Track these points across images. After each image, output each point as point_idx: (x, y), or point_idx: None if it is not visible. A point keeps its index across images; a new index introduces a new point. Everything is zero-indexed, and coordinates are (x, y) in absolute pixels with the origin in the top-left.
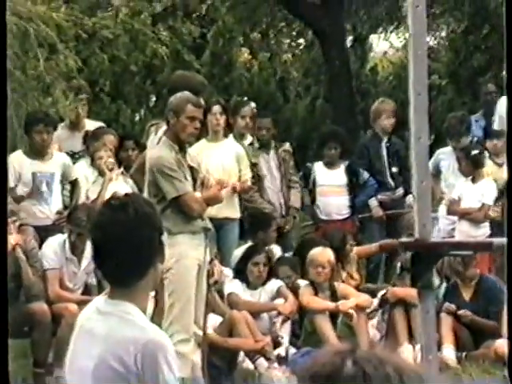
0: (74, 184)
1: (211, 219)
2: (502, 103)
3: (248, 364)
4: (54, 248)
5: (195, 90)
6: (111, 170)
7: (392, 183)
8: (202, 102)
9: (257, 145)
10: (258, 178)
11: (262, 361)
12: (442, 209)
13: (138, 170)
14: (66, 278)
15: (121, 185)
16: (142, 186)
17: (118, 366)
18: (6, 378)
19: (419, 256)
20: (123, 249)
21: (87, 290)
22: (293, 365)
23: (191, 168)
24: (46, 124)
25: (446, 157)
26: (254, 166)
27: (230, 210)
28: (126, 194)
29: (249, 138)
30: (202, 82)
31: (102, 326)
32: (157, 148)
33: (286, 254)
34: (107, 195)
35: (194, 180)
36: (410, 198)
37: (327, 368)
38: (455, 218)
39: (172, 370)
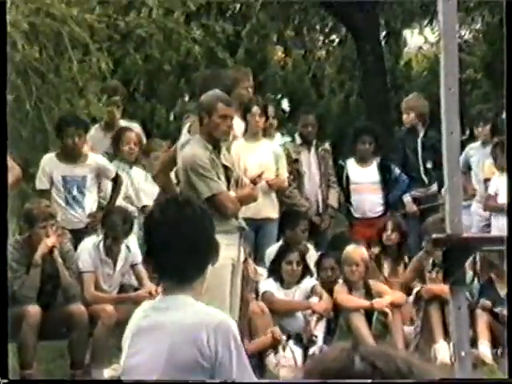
0: (116, 181)
1: (250, 219)
2: None
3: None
4: (88, 250)
5: (227, 87)
6: None
7: (425, 179)
8: (248, 91)
9: (299, 141)
10: (297, 175)
11: (271, 357)
12: (474, 205)
13: (162, 170)
14: (101, 279)
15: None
16: (165, 187)
17: (192, 352)
18: (6, 378)
19: (451, 252)
20: (189, 245)
21: (123, 291)
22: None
23: (225, 167)
24: (78, 127)
25: (475, 152)
26: (294, 162)
27: (269, 210)
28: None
29: (280, 136)
30: (235, 78)
31: (166, 319)
32: (190, 147)
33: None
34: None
35: (228, 179)
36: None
37: (336, 364)
38: (487, 214)
39: (241, 351)
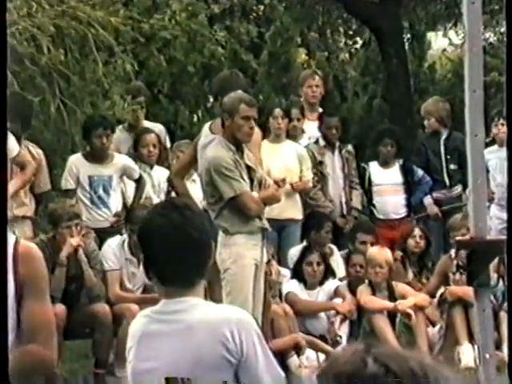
0: (139, 182)
1: (274, 220)
2: None
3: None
4: (113, 249)
5: (245, 88)
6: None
7: (448, 181)
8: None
9: (323, 143)
10: (322, 176)
11: (294, 359)
12: (493, 208)
13: (178, 173)
14: (125, 278)
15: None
16: (178, 190)
17: (218, 349)
18: (6, 378)
19: (475, 254)
20: (194, 249)
21: (146, 291)
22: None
23: (249, 168)
24: (105, 128)
25: (493, 156)
26: (319, 164)
27: (293, 211)
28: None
29: (308, 137)
30: (245, 81)
31: (180, 323)
32: (213, 148)
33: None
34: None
35: (252, 180)
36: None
37: (349, 367)
38: (505, 216)
39: (265, 344)
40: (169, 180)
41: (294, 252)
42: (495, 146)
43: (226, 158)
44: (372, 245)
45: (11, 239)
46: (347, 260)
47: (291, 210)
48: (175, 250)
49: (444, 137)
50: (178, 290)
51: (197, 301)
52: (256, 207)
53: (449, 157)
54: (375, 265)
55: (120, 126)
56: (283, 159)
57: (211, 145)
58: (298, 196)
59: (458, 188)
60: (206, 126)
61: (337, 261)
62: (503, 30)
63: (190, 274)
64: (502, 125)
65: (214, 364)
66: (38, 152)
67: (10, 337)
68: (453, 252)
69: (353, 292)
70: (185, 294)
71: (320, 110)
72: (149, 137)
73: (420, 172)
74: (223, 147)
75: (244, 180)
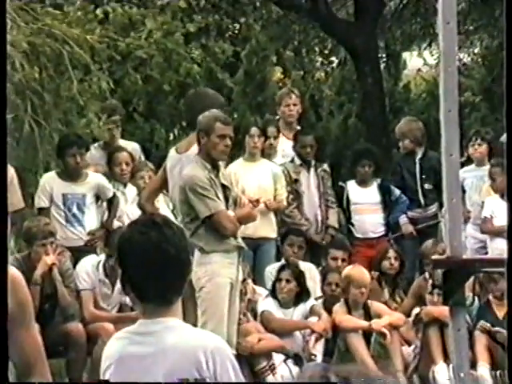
0: (112, 202)
1: (248, 239)
2: None
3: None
4: (86, 269)
5: (220, 106)
6: None
7: (423, 201)
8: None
9: (298, 162)
10: (297, 195)
11: (270, 378)
12: (469, 227)
13: (148, 198)
14: (99, 298)
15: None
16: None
17: (192, 374)
18: (6, 378)
19: (451, 273)
20: (172, 266)
21: (122, 311)
22: (301, 375)
23: (224, 186)
24: (79, 146)
25: (469, 175)
26: (294, 182)
27: (267, 230)
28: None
29: (285, 156)
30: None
31: (157, 345)
32: (189, 166)
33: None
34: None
35: (227, 199)
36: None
37: (314, 380)
38: (482, 236)
39: (238, 373)
40: (139, 205)
41: (271, 270)
42: (471, 166)
43: (202, 177)
44: (343, 261)
45: None
46: (323, 278)
47: (266, 228)
48: (153, 267)
49: (419, 156)
50: (155, 308)
51: (174, 322)
52: (231, 226)
53: (424, 176)
54: (361, 285)
55: (95, 144)
56: (258, 178)
57: (187, 164)
58: (272, 215)
59: (433, 208)
60: (172, 150)
61: (314, 279)
62: (477, 50)
63: (167, 292)
64: (479, 145)
65: None
66: (8, 169)
67: None
68: (427, 273)
69: (328, 310)
70: (162, 313)
71: (298, 127)
72: (121, 155)
73: (397, 191)
74: (199, 166)
75: (219, 199)
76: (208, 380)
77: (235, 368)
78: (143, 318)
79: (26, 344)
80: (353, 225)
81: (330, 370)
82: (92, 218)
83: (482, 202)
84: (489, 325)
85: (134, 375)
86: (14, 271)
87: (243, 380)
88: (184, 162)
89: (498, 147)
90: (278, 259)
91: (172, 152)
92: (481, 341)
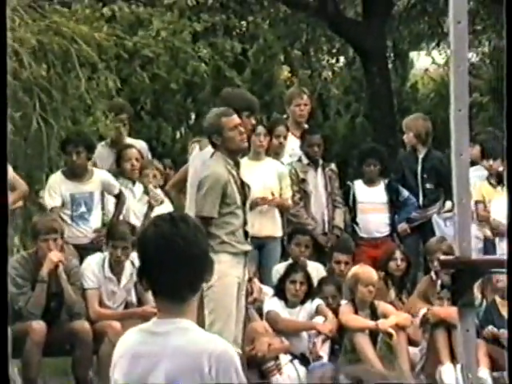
0: (119, 197)
1: (253, 237)
2: None
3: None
4: (91, 268)
5: (252, 107)
6: (161, 202)
7: (422, 201)
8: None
9: (305, 161)
10: (304, 194)
11: (277, 377)
12: (472, 228)
13: (175, 185)
14: (104, 296)
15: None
16: (176, 202)
17: (194, 379)
18: (6, 378)
19: (460, 274)
20: (184, 261)
21: (128, 308)
22: (309, 375)
23: (243, 184)
24: (84, 145)
25: (472, 175)
26: (301, 181)
27: (272, 229)
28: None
29: (292, 155)
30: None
31: (165, 345)
32: (210, 163)
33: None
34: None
35: (245, 196)
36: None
37: (324, 381)
38: (482, 235)
39: (242, 380)
40: (165, 191)
41: (278, 269)
42: (476, 166)
43: (222, 174)
44: (347, 264)
45: None
46: (319, 287)
47: (271, 227)
48: (165, 261)
49: (422, 155)
50: (168, 306)
51: (186, 324)
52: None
53: (425, 176)
54: (369, 284)
55: (102, 143)
56: (263, 177)
57: (210, 160)
58: (277, 213)
59: (434, 209)
60: (196, 146)
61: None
62: (486, 49)
63: (179, 288)
64: (471, 147)
65: None
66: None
67: None
68: (433, 273)
69: (334, 310)
70: (175, 311)
71: (306, 126)
72: (131, 151)
73: (405, 192)
74: (220, 163)
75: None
76: None
77: (239, 376)
78: (158, 316)
79: None
80: (357, 224)
81: (339, 370)
82: (98, 216)
83: (476, 202)
84: (495, 330)
85: (138, 375)
86: None
87: None
88: (202, 160)
89: (489, 148)
90: (283, 258)
91: (196, 149)
92: (481, 347)
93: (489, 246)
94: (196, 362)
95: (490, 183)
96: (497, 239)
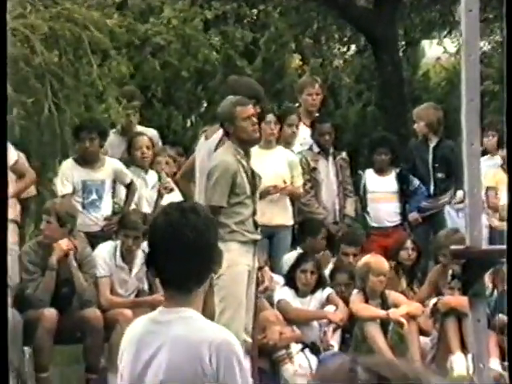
0: (130, 187)
1: (264, 226)
2: None
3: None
4: (103, 256)
5: (258, 96)
6: (171, 190)
7: (433, 190)
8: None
9: (316, 149)
10: (315, 183)
11: (288, 366)
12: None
13: (184, 175)
14: (116, 284)
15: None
16: (186, 192)
17: (195, 368)
18: (6, 378)
19: (470, 264)
20: (192, 251)
21: (139, 296)
22: (321, 366)
23: (254, 173)
24: (96, 132)
25: (482, 165)
26: (312, 170)
27: (283, 218)
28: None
29: (303, 144)
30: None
31: (167, 334)
32: (220, 152)
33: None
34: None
35: (255, 185)
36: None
37: (340, 376)
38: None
39: (244, 370)
40: (175, 181)
41: (289, 258)
42: (486, 156)
43: (231, 163)
44: (355, 256)
45: None
46: (332, 276)
47: (282, 216)
48: (172, 250)
49: (433, 144)
50: (174, 295)
51: (189, 313)
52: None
53: (437, 165)
54: (380, 273)
55: (113, 130)
56: (274, 165)
57: (220, 149)
58: (288, 202)
59: (445, 197)
60: (202, 136)
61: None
62: (497, 38)
63: (185, 278)
64: (493, 136)
65: (187, 382)
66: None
67: None
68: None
69: (345, 299)
70: (180, 301)
71: (317, 115)
72: (142, 139)
73: (416, 181)
74: (230, 152)
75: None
76: (210, 377)
77: (241, 365)
78: (164, 305)
79: None
80: (368, 213)
81: (357, 361)
82: (108, 204)
83: (487, 188)
84: (506, 318)
85: (142, 363)
86: None
87: (249, 377)
88: (208, 148)
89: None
90: (293, 246)
91: (202, 139)
92: (492, 338)
93: (494, 235)
94: (197, 351)
95: (504, 169)
96: (505, 226)
